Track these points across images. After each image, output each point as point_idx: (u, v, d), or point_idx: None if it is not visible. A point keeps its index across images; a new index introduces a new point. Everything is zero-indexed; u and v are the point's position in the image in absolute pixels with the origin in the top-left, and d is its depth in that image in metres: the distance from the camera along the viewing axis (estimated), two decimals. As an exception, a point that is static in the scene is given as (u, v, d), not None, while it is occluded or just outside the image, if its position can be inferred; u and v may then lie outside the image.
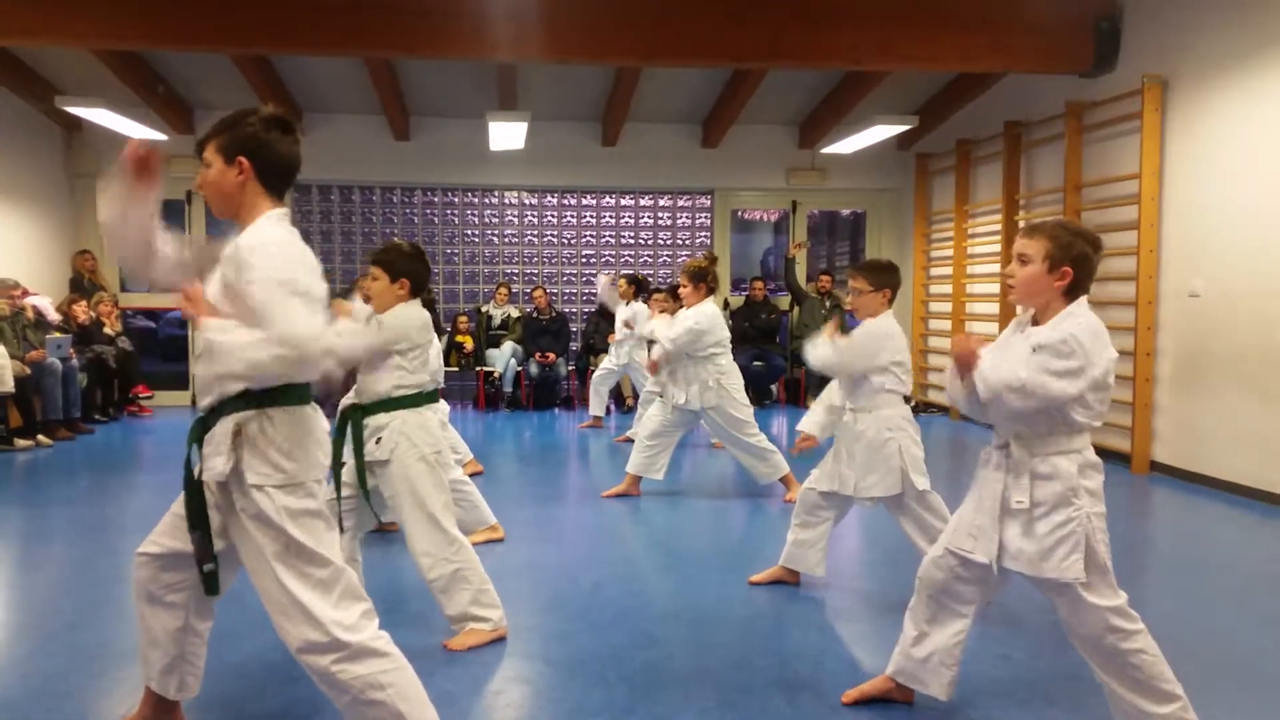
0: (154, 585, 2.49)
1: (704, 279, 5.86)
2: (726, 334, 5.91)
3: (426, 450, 3.37)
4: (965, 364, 2.55)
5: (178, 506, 2.44)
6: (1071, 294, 2.55)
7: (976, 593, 2.77)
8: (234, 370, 2.19)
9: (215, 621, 2.64)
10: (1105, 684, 2.58)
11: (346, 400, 3.55)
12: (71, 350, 8.28)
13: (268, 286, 2.15)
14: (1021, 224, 7.93)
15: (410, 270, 3.47)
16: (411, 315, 3.47)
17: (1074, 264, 2.52)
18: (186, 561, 2.43)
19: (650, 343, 8.05)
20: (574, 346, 10.85)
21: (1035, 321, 2.61)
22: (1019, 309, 2.71)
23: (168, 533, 2.48)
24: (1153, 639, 2.54)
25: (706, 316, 5.78)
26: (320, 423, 2.39)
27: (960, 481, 5.74)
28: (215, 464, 2.26)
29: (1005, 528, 2.60)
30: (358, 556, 3.57)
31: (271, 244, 2.23)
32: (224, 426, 2.26)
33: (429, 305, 5.00)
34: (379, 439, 3.35)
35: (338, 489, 3.36)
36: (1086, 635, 2.55)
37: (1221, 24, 6.27)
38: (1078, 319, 2.50)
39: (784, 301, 10.96)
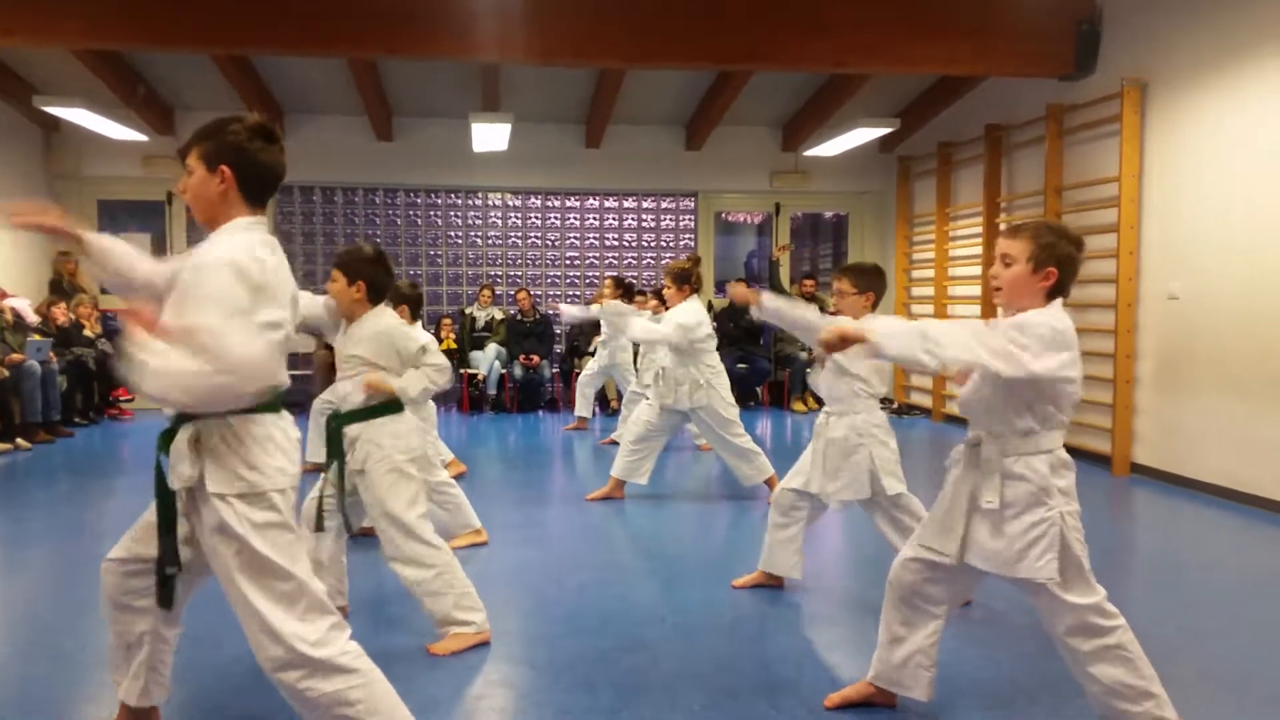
0: (120, 592, 2.46)
1: (688, 280, 5.89)
2: (711, 330, 5.93)
3: (399, 458, 3.37)
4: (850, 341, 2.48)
5: (149, 515, 2.40)
6: (1054, 296, 2.57)
7: (946, 592, 2.79)
8: (168, 396, 2.11)
9: (196, 623, 2.62)
10: (1084, 680, 2.60)
11: (321, 400, 3.54)
12: (51, 353, 8.21)
13: (208, 305, 2.08)
14: (1003, 226, 7.97)
15: (367, 273, 3.42)
16: (380, 326, 3.45)
17: (1058, 264, 2.53)
18: (153, 569, 2.40)
19: (635, 345, 8.07)
20: (558, 349, 10.85)
21: None
22: (1000, 312, 2.72)
23: (138, 539, 2.45)
24: (1133, 635, 2.56)
25: (692, 313, 5.80)
26: (289, 431, 2.31)
27: (940, 484, 5.76)
28: (181, 470, 2.21)
29: (973, 526, 2.62)
30: (343, 559, 3.57)
31: (223, 260, 2.14)
32: (185, 434, 2.21)
33: (415, 300, 4.99)
34: (354, 449, 3.37)
35: (321, 491, 3.37)
36: (1064, 632, 2.57)
37: (1200, 28, 6.33)
38: (1042, 313, 2.50)
39: (768, 303, 10.95)
